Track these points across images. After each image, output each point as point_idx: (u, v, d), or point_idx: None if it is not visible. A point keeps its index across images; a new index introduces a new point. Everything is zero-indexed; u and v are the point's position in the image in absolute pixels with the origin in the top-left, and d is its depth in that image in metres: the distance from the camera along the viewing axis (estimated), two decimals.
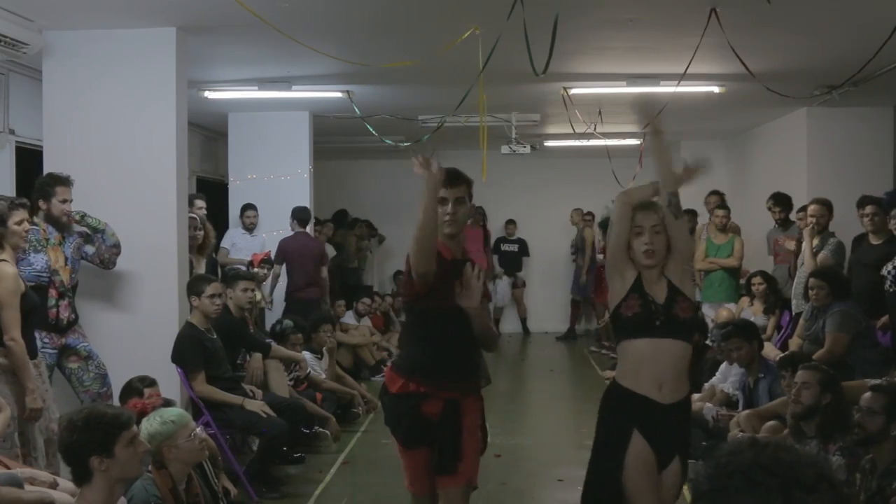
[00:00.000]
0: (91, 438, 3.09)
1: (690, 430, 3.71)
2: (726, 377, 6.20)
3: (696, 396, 6.56)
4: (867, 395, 3.99)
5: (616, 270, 3.59)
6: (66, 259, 5.48)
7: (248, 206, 9.25)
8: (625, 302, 3.51)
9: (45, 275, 5.29)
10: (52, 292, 5.32)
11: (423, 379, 3.63)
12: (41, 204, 5.39)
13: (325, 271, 9.39)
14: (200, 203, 7.77)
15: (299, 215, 9.20)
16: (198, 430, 3.96)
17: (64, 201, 5.40)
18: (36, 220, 5.35)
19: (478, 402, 3.79)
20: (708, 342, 6.98)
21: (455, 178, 3.64)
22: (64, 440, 3.20)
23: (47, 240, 5.38)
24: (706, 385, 6.41)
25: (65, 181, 5.42)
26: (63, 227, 5.45)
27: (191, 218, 6.61)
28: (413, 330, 3.86)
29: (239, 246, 9.18)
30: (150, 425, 3.83)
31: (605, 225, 10.77)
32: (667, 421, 3.41)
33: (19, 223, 4.69)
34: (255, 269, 8.25)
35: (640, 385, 3.43)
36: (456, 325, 3.61)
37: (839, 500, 1.48)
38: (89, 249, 5.65)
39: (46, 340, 5.27)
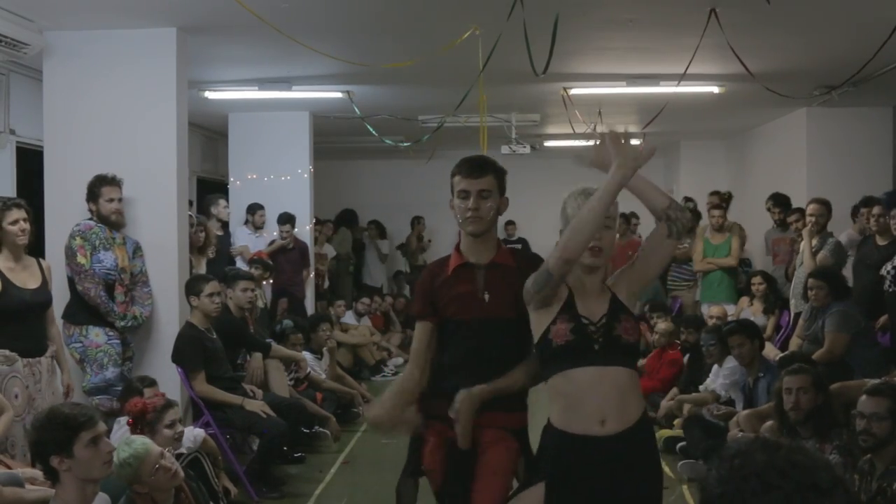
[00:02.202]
0: (50, 438, 3.08)
1: (657, 462, 2.90)
2: (717, 378, 6.23)
3: (688, 397, 6.58)
4: (864, 399, 3.86)
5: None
6: (129, 258, 5.65)
7: (258, 206, 9.21)
8: (553, 326, 2.79)
9: (113, 272, 5.50)
10: (120, 289, 5.52)
11: (426, 402, 3.07)
12: (91, 206, 5.56)
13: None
14: (224, 203, 7.77)
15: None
16: (163, 459, 3.68)
17: (111, 200, 5.54)
18: (93, 221, 5.54)
19: (508, 442, 3.01)
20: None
21: (477, 168, 3.06)
22: (29, 438, 3.20)
23: (113, 238, 5.54)
24: (701, 387, 6.42)
25: (110, 181, 5.56)
26: (114, 224, 5.58)
27: (188, 216, 6.62)
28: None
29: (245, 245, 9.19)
30: (113, 469, 3.62)
31: None
32: (614, 456, 2.71)
33: (14, 223, 4.70)
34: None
35: (576, 423, 2.73)
36: (476, 340, 3.04)
37: None
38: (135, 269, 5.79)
39: (111, 333, 5.49)
